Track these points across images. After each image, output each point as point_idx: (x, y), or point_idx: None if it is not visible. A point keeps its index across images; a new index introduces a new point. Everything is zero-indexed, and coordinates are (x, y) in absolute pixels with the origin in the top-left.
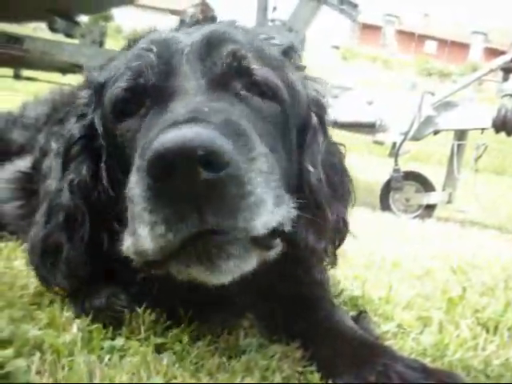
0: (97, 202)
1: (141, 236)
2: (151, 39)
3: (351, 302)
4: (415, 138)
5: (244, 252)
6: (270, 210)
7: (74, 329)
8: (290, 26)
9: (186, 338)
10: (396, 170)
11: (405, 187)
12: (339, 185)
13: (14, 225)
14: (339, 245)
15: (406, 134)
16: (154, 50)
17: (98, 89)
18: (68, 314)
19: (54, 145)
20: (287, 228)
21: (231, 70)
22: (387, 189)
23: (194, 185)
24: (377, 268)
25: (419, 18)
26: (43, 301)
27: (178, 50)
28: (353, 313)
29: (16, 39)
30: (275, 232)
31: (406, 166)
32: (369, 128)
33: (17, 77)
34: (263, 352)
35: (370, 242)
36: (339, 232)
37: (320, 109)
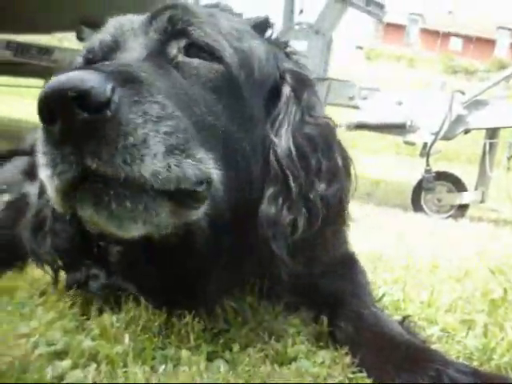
0: None
1: (45, 182)
2: (109, 21)
3: (393, 306)
4: (446, 138)
5: (143, 200)
6: (159, 158)
7: (126, 339)
8: (317, 29)
9: (236, 346)
10: (427, 171)
11: (437, 187)
12: (322, 159)
13: None
14: (313, 224)
15: (436, 133)
16: (109, 30)
17: None
18: (118, 324)
19: None
20: (202, 188)
21: (167, 35)
22: (419, 189)
23: (73, 126)
24: (415, 270)
25: (443, 16)
26: (92, 311)
27: (128, 28)
28: (396, 317)
29: (45, 50)
30: (193, 190)
31: (437, 165)
32: (399, 129)
33: None
34: (312, 359)
35: (406, 244)
36: (313, 208)
37: (297, 81)
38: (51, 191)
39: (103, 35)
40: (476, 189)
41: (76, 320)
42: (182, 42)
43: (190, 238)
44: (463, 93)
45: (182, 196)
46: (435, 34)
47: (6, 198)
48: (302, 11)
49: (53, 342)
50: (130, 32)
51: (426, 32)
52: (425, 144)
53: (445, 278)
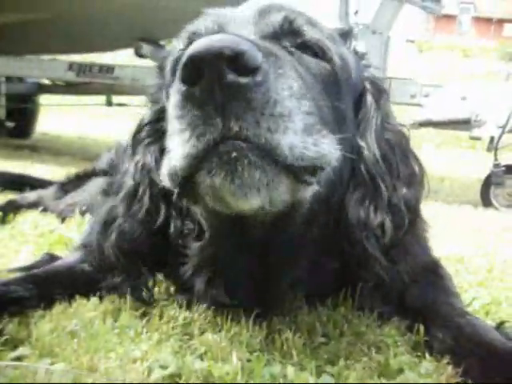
0: (158, 183)
1: (173, 150)
2: (206, 12)
3: (483, 310)
4: None
5: (272, 172)
6: (298, 132)
7: (234, 358)
8: (374, 29)
9: (341, 360)
10: (496, 165)
11: (506, 182)
12: (400, 165)
13: None
14: (400, 227)
15: (503, 126)
16: (210, 18)
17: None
18: (223, 343)
19: None
20: (326, 167)
21: (282, 30)
22: (488, 184)
23: (221, 88)
24: (499, 271)
25: (495, 2)
26: (194, 330)
27: (232, 18)
28: (489, 322)
29: (107, 68)
30: (313, 169)
31: (505, 158)
32: (464, 124)
33: (109, 104)
34: (416, 370)
35: (484, 243)
36: (398, 212)
37: (377, 91)
38: (179, 158)
39: (207, 22)
40: None
41: (180, 340)
42: (295, 40)
43: (285, 224)
44: None
45: (301, 173)
46: (488, 21)
47: (89, 219)
48: (357, 12)
49: (166, 365)
50: (237, 21)
51: (478, 20)
52: (492, 138)
53: None
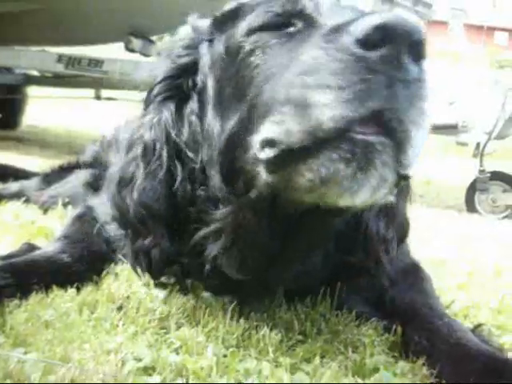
0: (176, 139)
1: (316, 105)
2: None
3: (461, 313)
4: (500, 137)
5: (393, 176)
6: (419, 143)
7: (209, 353)
8: None
9: (317, 358)
10: (481, 171)
11: (491, 188)
12: None
13: (121, 247)
14: (401, 240)
15: (490, 133)
16: None
17: (223, 19)
18: (199, 338)
19: None
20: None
21: None
22: (473, 190)
23: (396, 65)
24: (480, 275)
25: (487, 10)
26: (171, 324)
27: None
28: (467, 324)
29: (96, 62)
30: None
31: (491, 165)
32: (451, 129)
33: (98, 98)
34: (391, 370)
35: (466, 247)
36: (402, 227)
37: None
38: (323, 116)
39: None
40: None
41: (156, 334)
42: None
43: (339, 217)
44: None
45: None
46: (479, 28)
47: (71, 211)
48: None
49: (140, 357)
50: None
51: (469, 27)
52: (478, 144)
53: (510, 283)
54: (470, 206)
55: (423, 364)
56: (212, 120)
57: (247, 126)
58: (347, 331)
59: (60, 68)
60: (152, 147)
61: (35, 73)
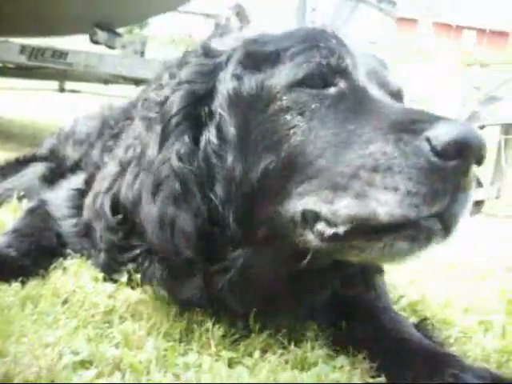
0: (196, 171)
1: (378, 202)
2: (320, 28)
3: (410, 307)
4: None
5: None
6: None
7: (149, 347)
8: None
9: (257, 352)
10: None
11: None
12: None
13: (72, 243)
14: None
15: None
16: (333, 40)
17: (253, 57)
18: (141, 332)
19: (107, 159)
20: None
21: (396, 93)
22: None
23: (463, 173)
24: (432, 271)
25: (456, 8)
26: (114, 319)
27: (351, 50)
28: (413, 319)
29: (60, 53)
30: None
31: None
32: None
33: (61, 90)
34: (332, 364)
35: None
36: None
37: None
38: (391, 215)
39: (335, 46)
40: (492, 184)
41: (99, 328)
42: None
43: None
44: (478, 88)
45: None
46: (448, 27)
47: (26, 204)
48: (314, 9)
49: (77, 351)
50: (354, 56)
51: (438, 25)
52: None
53: (461, 279)
54: None
55: (364, 358)
56: (234, 161)
57: (279, 185)
58: (292, 326)
59: (23, 59)
60: (186, 184)
61: None
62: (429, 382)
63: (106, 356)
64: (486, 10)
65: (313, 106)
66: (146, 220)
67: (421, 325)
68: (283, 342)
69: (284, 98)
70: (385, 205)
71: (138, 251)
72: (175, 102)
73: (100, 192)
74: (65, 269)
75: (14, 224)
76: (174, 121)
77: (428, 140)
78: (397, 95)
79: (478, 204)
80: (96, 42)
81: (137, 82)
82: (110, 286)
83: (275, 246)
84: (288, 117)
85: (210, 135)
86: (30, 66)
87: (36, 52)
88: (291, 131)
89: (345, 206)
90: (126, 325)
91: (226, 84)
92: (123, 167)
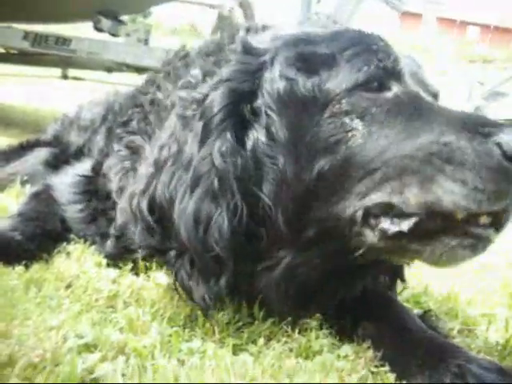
0: (240, 170)
1: (445, 191)
2: (362, 30)
3: (413, 299)
4: None
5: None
6: None
7: (153, 332)
8: (335, 19)
9: (261, 340)
10: None
11: None
12: None
13: (77, 228)
14: None
15: None
16: (380, 43)
17: (315, 58)
18: (145, 317)
19: (116, 147)
20: None
21: (436, 95)
22: None
23: None
24: None
25: (460, 4)
26: (118, 304)
27: (396, 54)
28: (417, 311)
29: (63, 40)
30: None
31: None
32: None
33: (64, 77)
34: (336, 352)
35: None
36: None
37: None
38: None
39: (385, 49)
40: None
41: (102, 312)
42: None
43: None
44: (482, 84)
45: None
46: (452, 22)
47: (29, 189)
48: (319, 1)
49: (82, 335)
50: (400, 62)
51: (443, 20)
52: None
53: (465, 272)
54: None
55: (368, 347)
56: (286, 163)
57: (335, 185)
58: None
59: (26, 45)
60: (226, 181)
61: (1, 50)
62: (433, 371)
63: (110, 340)
64: (490, 6)
65: (372, 111)
66: (180, 216)
67: (425, 316)
68: (287, 330)
69: (343, 101)
70: (451, 194)
71: (172, 253)
72: (216, 100)
73: (135, 194)
74: (68, 253)
75: (18, 208)
76: (216, 118)
77: (499, 144)
78: (436, 98)
79: None
80: (100, 30)
81: (140, 70)
82: (113, 272)
83: (323, 245)
84: (347, 120)
85: (258, 135)
86: (33, 52)
87: (39, 38)
88: (349, 134)
89: (414, 194)
90: (130, 310)
91: (274, 84)
92: (158, 167)
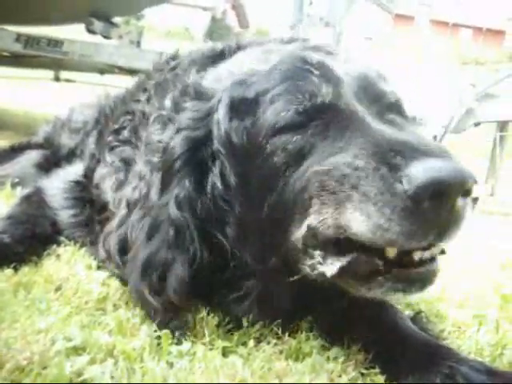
0: (201, 215)
1: (352, 215)
2: (302, 58)
3: (404, 301)
4: (456, 131)
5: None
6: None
7: (142, 334)
8: (327, 21)
9: (251, 342)
10: None
11: None
12: None
13: (69, 232)
14: None
15: (446, 126)
16: (315, 72)
17: (238, 105)
18: (134, 320)
19: (108, 158)
20: None
21: (393, 104)
22: None
23: (449, 210)
24: None
25: (453, 6)
26: (107, 306)
27: (337, 76)
28: (407, 313)
29: (55, 42)
30: None
31: None
32: None
33: (56, 79)
34: (326, 354)
35: None
36: None
37: None
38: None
39: (309, 76)
40: (486, 182)
41: (92, 315)
42: (399, 114)
43: None
44: (474, 85)
45: None
46: (445, 24)
47: (20, 191)
48: (311, 3)
49: (70, 338)
50: (342, 83)
51: (435, 23)
52: (434, 137)
53: (456, 273)
54: None
55: (359, 350)
56: (241, 206)
57: (285, 217)
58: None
59: (18, 47)
60: (183, 230)
61: None
62: (424, 373)
63: (99, 343)
64: (482, 8)
65: (298, 146)
66: (135, 261)
67: (416, 318)
68: (277, 333)
69: (268, 145)
70: (357, 223)
71: None
72: (175, 149)
73: (110, 232)
74: (58, 256)
75: (8, 210)
76: (175, 166)
77: (401, 182)
78: (393, 107)
79: (472, 201)
80: (92, 32)
81: (132, 72)
82: (103, 274)
83: (286, 272)
84: (276, 159)
85: (215, 180)
86: (26, 54)
87: (32, 40)
88: (282, 170)
89: (330, 214)
90: (120, 312)
91: (219, 130)
92: (130, 208)
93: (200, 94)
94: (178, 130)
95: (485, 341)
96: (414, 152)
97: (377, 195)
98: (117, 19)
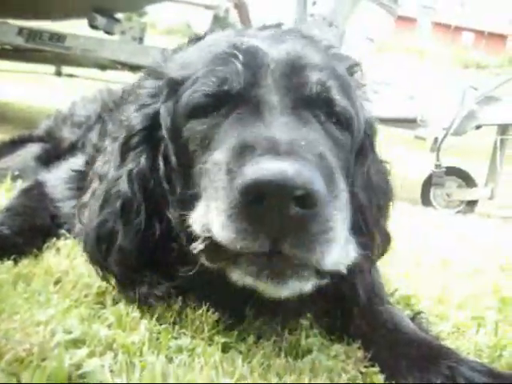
0: (152, 192)
1: (219, 225)
2: (234, 44)
3: (404, 301)
4: (457, 133)
5: (307, 279)
6: (341, 249)
7: (142, 328)
8: (330, 21)
9: (251, 338)
10: (437, 166)
11: (446, 183)
12: (384, 205)
13: (70, 224)
14: (381, 256)
15: (447, 129)
16: (240, 57)
17: (172, 84)
18: (134, 314)
19: (110, 147)
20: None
21: (315, 97)
22: (428, 184)
23: (281, 217)
24: (427, 266)
25: (455, 9)
26: (107, 300)
27: (263, 63)
28: (408, 312)
29: (58, 37)
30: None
31: (447, 160)
32: (410, 123)
33: (58, 74)
34: (326, 352)
35: (416, 239)
36: (383, 248)
37: (371, 130)
38: (222, 234)
39: (233, 61)
40: (486, 185)
41: (91, 308)
42: (327, 109)
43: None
44: (475, 88)
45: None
46: (447, 27)
47: (20, 184)
48: (315, 2)
49: (70, 330)
50: (266, 69)
51: (437, 25)
52: (435, 139)
53: (456, 275)
54: (426, 200)
55: (358, 348)
56: (181, 187)
57: (185, 203)
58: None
59: (20, 41)
60: (131, 203)
61: None
62: (424, 373)
63: (98, 336)
64: (485, 11)
65: (203, 135)
66: (87, 232)
67: (415, 318)
68: (277, 329)
69: (184, 129)
70: (215, 223)
71: None
72: (134, 125)
73: (84, 204)
74: (58, 249)
75: (7, 203)
76: (132, 142)
77: (240, 179)
78: (315, 99)
79: (472, 203)
80: (95, 28)
81: (134, 68)
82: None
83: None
84: (190, 145)
85: (159, 160)
86: (28, 48)
87: (34, 34)
88: (195, 157)
89: (198, 213)
90: (119, 306)
91: (162, 110)
92: (101, 181)
93: (159, 74)
94: (138, 108)
95: (484, 342)
96: (265, 150)
97: (223, 193)
98: (119, 15)
